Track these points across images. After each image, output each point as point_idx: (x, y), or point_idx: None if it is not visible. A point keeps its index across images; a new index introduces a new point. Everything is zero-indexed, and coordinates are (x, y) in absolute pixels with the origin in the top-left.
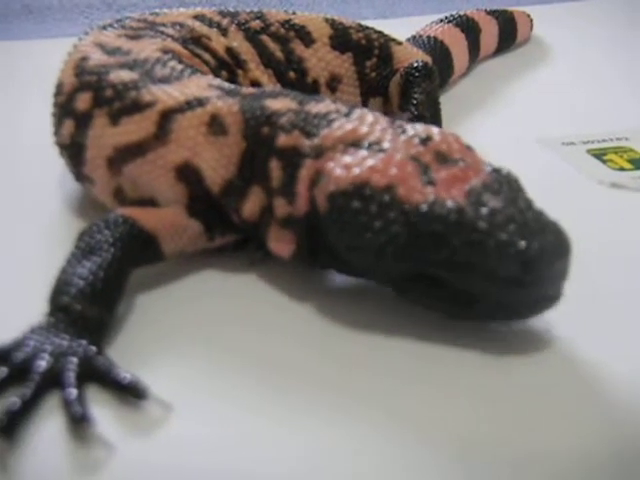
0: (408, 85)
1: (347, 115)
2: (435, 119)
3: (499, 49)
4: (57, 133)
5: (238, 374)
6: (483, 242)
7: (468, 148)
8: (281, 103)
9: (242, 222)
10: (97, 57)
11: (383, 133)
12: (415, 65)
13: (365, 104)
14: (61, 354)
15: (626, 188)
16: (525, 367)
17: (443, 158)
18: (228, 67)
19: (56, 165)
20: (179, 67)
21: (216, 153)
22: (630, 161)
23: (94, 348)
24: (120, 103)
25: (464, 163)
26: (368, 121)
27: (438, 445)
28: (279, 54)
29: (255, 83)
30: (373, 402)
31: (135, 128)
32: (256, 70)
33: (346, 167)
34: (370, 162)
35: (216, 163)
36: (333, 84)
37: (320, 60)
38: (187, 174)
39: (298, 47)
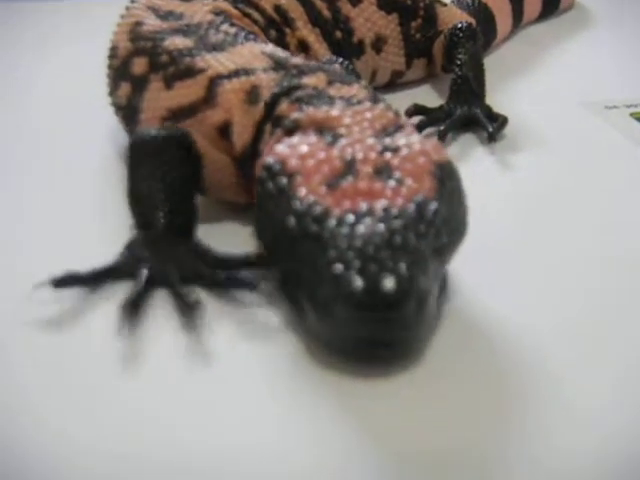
0: (452, 46)
1: (358, 104)
2: (478, 80)
3: (542, 15)
4: (113, 94)
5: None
6: (318, 256)
7: (433, 174)
8: (315, 79)
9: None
10: (151, 22)
11: (360, 131)
12: (459, 26)
13: (409, 65)
14: (159, 259)
15: None
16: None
17: (384, 171)
18: (277, 26)
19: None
20: (232, 31)
21: (244, 119)
22: None
23: (183, 251)
24: (174, 69)
25: (396, 184)
26: (364, 116)
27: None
28: (326, 13)
29: (302, 42)
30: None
31: (187, 92)
32: (304, 29)
33: (287, 145)
34: (302, 148)
35: (241, 129)
36: (378, 45)
37: (366, 20)
38: (226, 133)
39: (345, 6)
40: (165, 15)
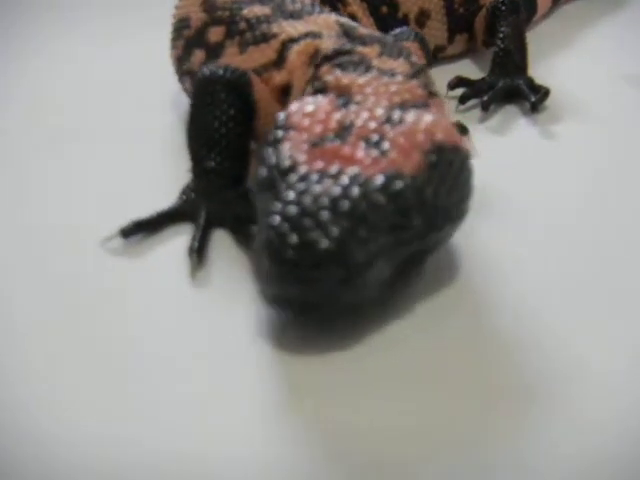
0: (494, 19)
1: (391, 76)
2: (520, 52)
3: None
4: (184, 61)
5: None
6: (268, 205)
7: (426, 154)
8: (369, 49)
9: None
10: None
11: (375, 101)
12: (502, 0)
13: (451, 41)
14: (213, 202)
15: None
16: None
17: (373, 141)
18: (330, 1)
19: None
20: (308, 1)
21: (301, 81)
22: None
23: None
24: (251, 35)
25: (379, 154)
26: (387, 88)
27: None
28: None
29: (352, 17)
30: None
31: (259, 55)
32: (354, 4)
33: (300, 102)
34: (308, 107)
35: (297, 90)
36: (422, 19)
37: None
38: (287, 95)
39: None
40: None
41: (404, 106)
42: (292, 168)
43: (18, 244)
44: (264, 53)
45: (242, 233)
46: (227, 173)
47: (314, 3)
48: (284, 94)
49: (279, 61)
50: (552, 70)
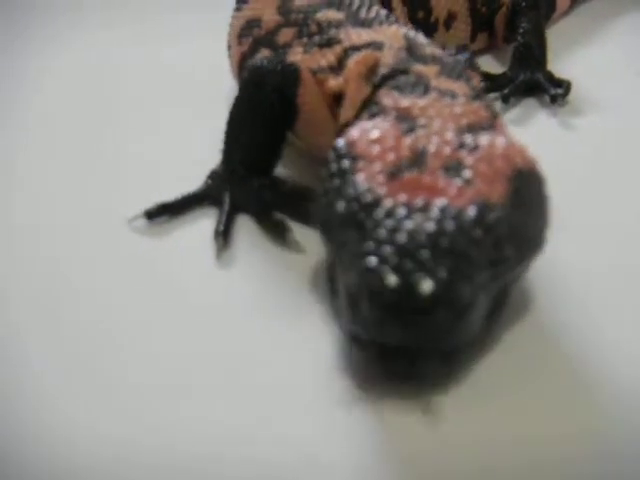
0: (515, 15)
1: (452, 98)
2: (540, 47)
3: None
4: (249, 59)
5: None
6: (357, 244)
7: (510, 181)
8: (424, 69)
9: None
10: None
11: (441, 125)
12: None
13: (473, 39)
14: (237, 189)
15: None
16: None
17: (454, 169)
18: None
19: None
20: (383, 12)
21: (355, 94)
22: None
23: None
24: (319, 38)
25: (463, 183)
26: (451, 110)
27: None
28: None
29: None
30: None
31: (320, 58)
32: (397, 8)
33: (359, 128)
34: (373, 133)
35: (349, 103)
36: (449, 21)
37: None
38: (339, 102)
39: None
40: None
41: (472, 129)
42: (375, 202)
43: (43, 222)
44: (326, 57)
45: (265, 219)
46: (254, 166)
47: (390, 14)
48: (336, 101)
49: (338, 67)
50: (570, 67)
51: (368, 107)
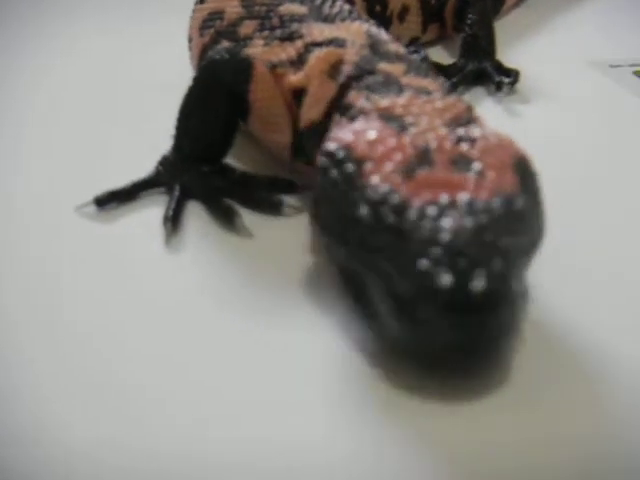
0: (463, 6)
1: (427, 94)
2: (488, 37)
3: None
4: (209, 50)
5: None
6: (399, 250)
7: (514, 169)
8: (390, 67)
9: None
10: None
11: (429, 121)
12: None
13: (424, 31)
14: (186, 175)
15: None
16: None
17: (462, 162)
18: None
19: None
20: (346, 8)
21: (318, 92)
22: None
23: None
24: (280, 32)
25: (479, 176)
26: (433, 106)
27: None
28: None
29: None
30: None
31: (280, 51)
32: (358, 3)
33: (350, 131)
34: (369, 134)
35: (313, 102)
36: (402, 14)
37: None
38: (298, 98)
39: None
40: None
41: (458, 122)
42: (404, 203)
43: None
44: (286, 50)
45: (214, 205)
46: (204, 154)
47: (352, 10)
48: (295, 97)
49: (298, 61)
50: (519, 57)
51: (341, 109)
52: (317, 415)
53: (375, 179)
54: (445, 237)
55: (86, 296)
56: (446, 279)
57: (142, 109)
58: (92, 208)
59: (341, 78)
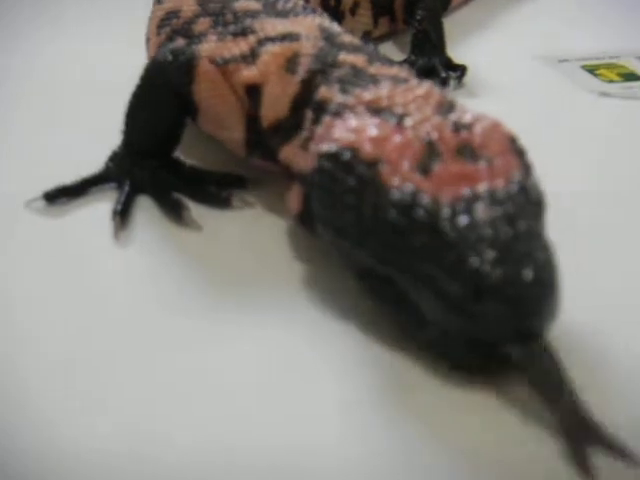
0: (412, 2)
1: (405, 82)
2: (437, 33)
3: None
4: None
5: None
6: (442, 251)
7: (513, 150)
8: (352, 58)
9: (278, 162)
10: None
11: (419, 108)
12: None
13: (376, 24)
14: (136, 171)
15: (613, 96)
16: None
17: (467, 151)
18: None
19: None
20: (300, 3)
21: (278, 88)
22: (619, 74)
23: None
24: (233, 27)
25: (488, 163)
26: (415, 94)
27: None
28: None
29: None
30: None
31: (233, 46)
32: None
33: (347, 130)
34: (371, 131)
35: (274, 99)
36: (354, 8)
37: None
38: (253, 95)
39: None
40: None
41: (445, 108)
42: (434, 202)
43: None
44: (239, 45)
45: (164, 199)
46: (153, 149)
47: (306, 6)
48: (248, 93)
49: (251, 56)
50: (468, 54)
51: (313, 104)
52: (328, 417)
53: (395, 180)
54: (487, 232)
55: (35, 292)
56: (498, 273)
57: (92, 107)
58: (42, 203)
59: (301, 72)
